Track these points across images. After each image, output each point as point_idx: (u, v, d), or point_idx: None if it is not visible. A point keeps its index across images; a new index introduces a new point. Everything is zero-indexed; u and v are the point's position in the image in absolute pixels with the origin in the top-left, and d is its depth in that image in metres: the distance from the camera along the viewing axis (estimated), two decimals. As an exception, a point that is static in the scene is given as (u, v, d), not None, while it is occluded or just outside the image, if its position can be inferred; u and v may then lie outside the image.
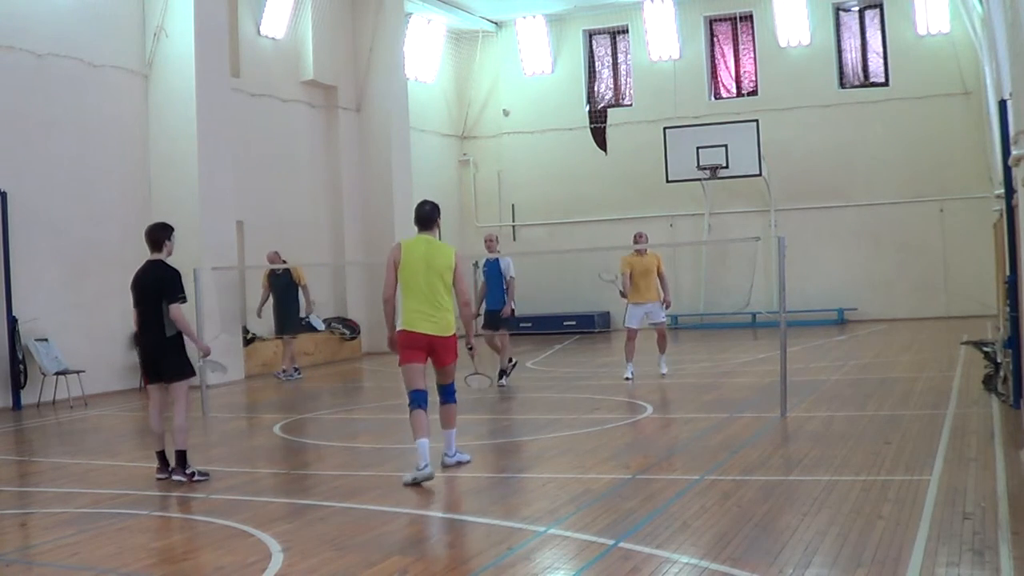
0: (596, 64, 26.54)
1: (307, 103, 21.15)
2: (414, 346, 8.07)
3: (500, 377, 14.48)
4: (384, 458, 9.34)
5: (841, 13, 24.47)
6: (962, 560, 5.32)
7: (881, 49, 24.15)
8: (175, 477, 8.42)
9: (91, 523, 7.08)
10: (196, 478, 8.36)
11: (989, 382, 11.33)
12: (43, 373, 14.36)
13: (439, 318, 8.09)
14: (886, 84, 23.95)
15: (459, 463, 8.46)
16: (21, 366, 14.23)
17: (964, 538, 5.72)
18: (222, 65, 17.36)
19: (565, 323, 24.86)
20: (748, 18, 24.88)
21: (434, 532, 6.87)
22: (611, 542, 5.98)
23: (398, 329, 8.15)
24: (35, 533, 7.18)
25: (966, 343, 14.19)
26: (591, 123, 26.12)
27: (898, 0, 23.63)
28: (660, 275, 14.42)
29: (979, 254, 21.42)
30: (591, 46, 26.53)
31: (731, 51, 25.36)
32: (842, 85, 24.38)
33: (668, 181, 23.36)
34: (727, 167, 22.69)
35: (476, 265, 14.79)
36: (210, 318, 14.31)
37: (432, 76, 25.82)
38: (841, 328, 22.37)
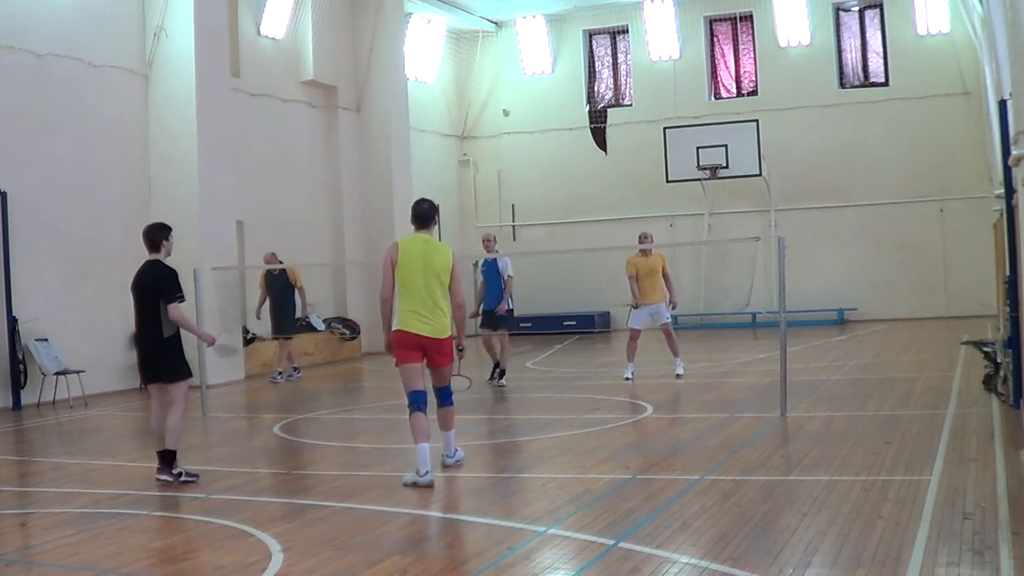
0: (596, 64, 26.55)
1: (307, 103, 21.15)
2: (410, 346, 8.00)
3: (500, 377, 14.50)
4: (384, 458, 9.33)
5: (841, 13, 24.47)
6: (962, 560, 5.32)
7: (881, 49, 24.16)
8: (160, 476, 8.34)
9: (91, 523, 7.08)
10: (183, 479, 8.29)
11: (989, 382, 11.33)
12: (43, 373, 14.36)
13: (435, 320, 8.01)
14: (886, 84, 23.95)
15: (458, 462, 8.45)
16: (21, 366, 14.23)
17: (964, 538, 5.72)
18: (222, 65, 17.36)
19: (565, 323, 24.86)
20: (748, 18, 24.88)
21: (434, 532, 6.87)
22: (611, 542, 5.98)
23: (393, 329, 8.09)
24: (35, 533, 7.18)
25: (966, 343, 14.19)
26: (591, 123, 26.12)
27: (898, 0, 23.64)
28: (665, 275, 14.39)
29: (979, 254, 21.41)
30: (591, 46, 26.54)
31: (731, 51, 25.36)
32: (842, 85, 24.38)
33: (668, 181, 23.36)
34: (727, 167, 22.68)
35: (476, 265, 14.77)
36: (210, 318, 14.31)
37: (432, 76, 25.82)
38: (841, 328, 22.37)
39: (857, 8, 24.34)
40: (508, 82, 26.81)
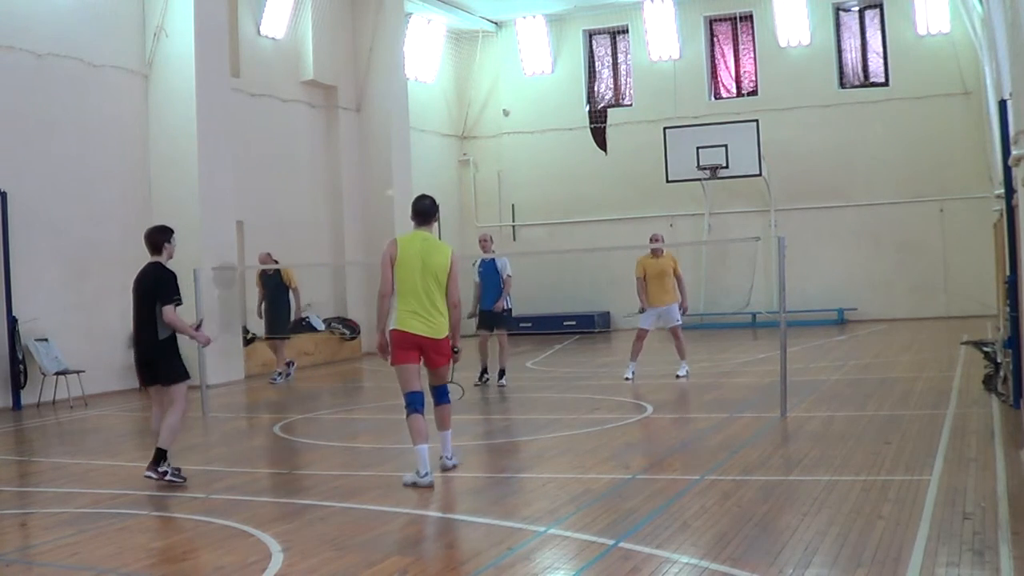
0: (596, 64, 26.55)
1: (307, 103, 21.15)
2: (407, 346, 7.95)
3: (500, 376, 14.50)
4: (384, 458, 9.33)
5: (841, 13, 24.47)
6: (962, 560, 5.32)
7: (881, 49, 24.16)
8: (145, 473, 8.25)
9: (91, 523, 7.08)
10: (168, 477, 8.22)
11: (989, 382, 11.33)
12: (43, 373, 14.36)
13: (432, 320, 7.96)
14: (886, 84, 23.95)
15: (455, 464, 8.42)
16: (21, 366, 14.23)
17: (964, 538, 5.72)
18: (222, 65, 17.36)
19: (565, 323, 24.85)
20: (748, 18, 24.88)
21: (434, 532, 6.87)
22: (611, 542, 5.98)
23: (391, 328, 8.02)
24: (35, 533, 7.18)
25: (966, 343, 14.18)
26: (591, 123, 26.12)
27: (898, 0, 23.64)
28: (677, 277, 14.35)
29: (979, 254, 21.40)
30: (591, 46, 26.53)
31: (731, 51, 25.36)
32: (842, 85, 24.38)
33: (668, 181, 23.34)
34: (727, 167, 22.67)
35: (474, 265, 14.75)
36: (210, 318, 14.29)
37: (432, 76, 25.82)
38: (841, 328, 22.37)
39: (857, 8, 24.34)
40: (508, 82, 26.81)
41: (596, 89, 26.47)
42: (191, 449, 9.99)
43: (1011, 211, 9.96)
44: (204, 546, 6.45)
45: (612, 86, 26.38)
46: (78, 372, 14.66)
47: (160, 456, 8.29)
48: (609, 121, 25.98)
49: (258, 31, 19.85)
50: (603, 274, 24.52)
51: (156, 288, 8.35)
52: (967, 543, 5.62)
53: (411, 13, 24.02)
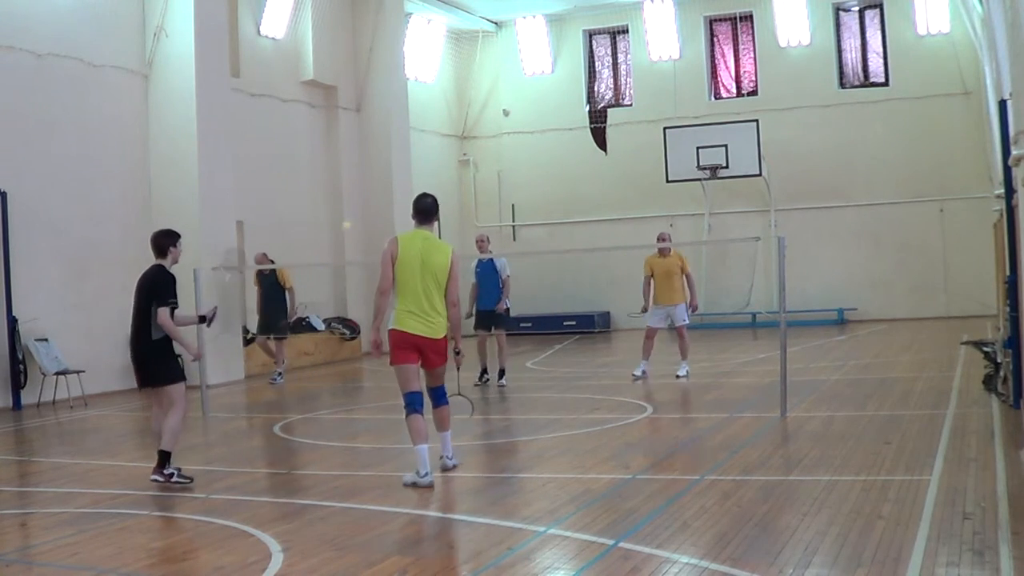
0: (596, 64, 26.54)
1: (307, 103, 21.15)
2: (405, 346, 7.93)
3: (500, 376, 14.50)
4: (384, 458, 9.33)
5: (841, 13, 24.47)
6: (962, 560, 5.32)
7: (881, 49, 24.15)
8: (152, 477, 8.23)
9: (91, 523, 7.08)
10: (174, 479, 8.20)
11: (989, 382, 11.33)
12: (43, 373, 14.36)
13: (431, 320, 7.94)
14: (886, 84, 23.95)
15: (455, 465, 8.41)
16: (21, 366, 14.22)
17: (964, 538, 5.72)
18: (222, 65, 17.36)
19: (565, 323, 24.85)
20: (748, 18, 24.88)
21: (434, 532, 6.87)
22: (611, 542, 5.98)
23: (389, 327, 7.98)
24: (35, 533, 7.18)
25: (966, 343, 14.18)
26: (591, 123, 26.12)
27: (898, 0, 23.64)
28: (687, 275, 14.37)
29: (979, 254, 21.41)
30: (591, 46, 26.53)
31: (731, 51, 25.36)
32: (842, 85, 24.38)
33: (668, 181, 23.34)
34: (727, 167, 22.67)
35: (473, 265, 14.74)
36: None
37: (432, 76, 25.82)
38: (841, 328, 22.36)
39: (857, 8, 24.34)
40: (508, 82, 26.81)
41: (596, 89, 26.47)
42: (191, 449, 9.99)
43: (1011, 211, 9.96)
44: (204, 546, 6.45)
45: (612, 86, 26.38)
46: (78, 372, 14.65)
47: (164, 459, 8.27)
48: (609, 121, 25.98)
49: (258, 31, 19.84)
50: (603, 274, 24.54)
51: (153, 289, 8.34)
52: (967, 543, 5.62)
53: (411, 13, 24.02)
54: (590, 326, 24.74)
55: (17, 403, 14.16)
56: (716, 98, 25.32)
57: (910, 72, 23.47)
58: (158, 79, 16.81)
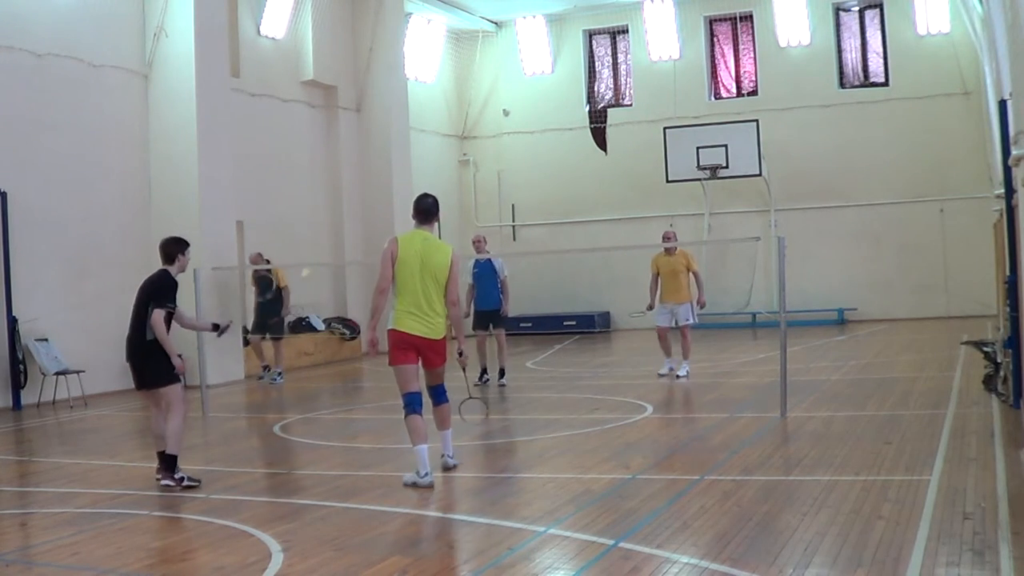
0: (596, 64, 26.54)
1: (307, 103, 21.15)
2: (404, 346, 7.92)
3: (500, 376, 14.51)
4: (384, 458, 9.33)
5: (841, 13, 24.47)
6: (962, 560, 5.32)
7: (881, 49, 24.15)
8: (164, 481, 8.19)
9: (91, 523, 7.08)
10: (186, 483, 8.19)
11: (989, 382, 11.33)
12: (43, 373, 14.36)
13: (430, 320, 7.93)
14: (886, 84, 23.95)
15: (455, 464, 8.41)
16: (21, 366, 14.23)
17: (964, 538, 5.72)
18: (222, 65, 17.35)
19: (565, 323, 24.85)
20: (748, 18, 24.88)
21: (434, 532, 6.87)
22: (611, 542, 5.98)
23: (388, 327, 7.98)
24: (35, 533, 7.17)
25: (966, 343, 14.18)
26: (591, 123, 26.12)
27: (898, 0, 23.64)
28: (694, 273, 14.38)
29: (979, 254, 21.41)
30: (591, 46, 26.53)
31: (731, 51, 25.36)
32: (842, 85, 24.38)
33: (668, 181, 23.35)
34: (727, 167, 22.68)
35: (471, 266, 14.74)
36: (210, 318, 14.27)
37: (432, 76, 25.82)
38: (841, 328, 22.37)
39: (857, 8, 24.34)
40: (508, 82, 26.81)
41: (596, 89, 26.47)
42: (191, 449, 9.98)
43: (1011, 211, 9.96)
44: (204, 546, 6.45)
45: (612, 86, 26.38)
46: (78, 372, 14.65)
47: (172, 463, 8.25)
48: (609, 121, 25.98)
49: (258, 31, 19.84)
50: (603, 274, 24.53)
51: (152, 291, 8.33)
52: (967, 543, 5.62)
53: (411, 13, 24.02)
54: (590, 326, 24.74)
55: (17, 403, 14.16)
56: (716, 98, 25.32)
57: (910, 72, 23.47)
58: (158, 79, 16.82)
